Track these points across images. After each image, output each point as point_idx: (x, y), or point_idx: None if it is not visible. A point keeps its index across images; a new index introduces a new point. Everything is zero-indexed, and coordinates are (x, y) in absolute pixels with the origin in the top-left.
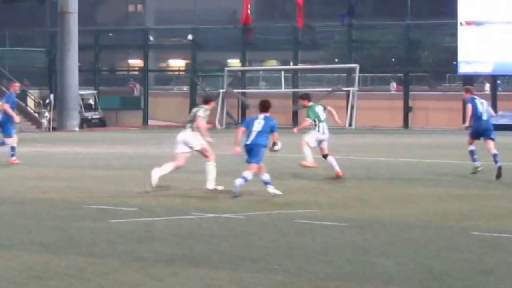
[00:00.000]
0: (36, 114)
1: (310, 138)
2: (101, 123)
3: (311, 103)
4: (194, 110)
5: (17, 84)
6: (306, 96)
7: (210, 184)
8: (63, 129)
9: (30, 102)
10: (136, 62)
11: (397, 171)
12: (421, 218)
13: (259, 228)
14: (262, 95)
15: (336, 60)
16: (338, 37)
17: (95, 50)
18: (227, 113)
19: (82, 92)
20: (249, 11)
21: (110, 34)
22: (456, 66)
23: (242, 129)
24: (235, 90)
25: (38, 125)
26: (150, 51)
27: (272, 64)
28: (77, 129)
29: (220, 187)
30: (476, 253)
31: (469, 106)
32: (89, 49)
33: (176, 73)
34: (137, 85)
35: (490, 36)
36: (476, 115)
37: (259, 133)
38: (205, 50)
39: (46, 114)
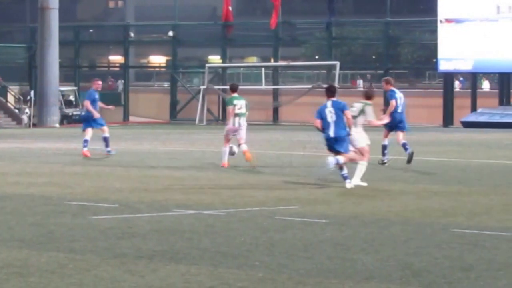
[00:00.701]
0: (16, 110)
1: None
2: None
3: (235, 94)
4: (359, 105)
5: (99, 82)
6: (233, 87)
7: (356, 180)
8: (44, 125)
9: (11, 98)
10: (116, 58)
11: (378, 168)
12: (401, 214)
13: (240, 225)
14: (243, 92)
15: (317, 57)
16: (319, 34)
17: (76, 46)
18: (208, 110)
19: (62, 88)
20: (230, 8)
21: (91, 30)
22: (436, 63)
23: (318, 121)
24: (216, 87)
25: (19, 121)
26: (131, 47)
27: (253, 60)
28: (57, 125)
29: (363, 184)
30: (456, 249)
31: (393, 102)
32: (69, 45)
33: (157, 69)
34: (121, 81)
35: (470, 33)
36: (394, 108)
37: (336, 124)
38: (186, 46)
39: (27, 110)
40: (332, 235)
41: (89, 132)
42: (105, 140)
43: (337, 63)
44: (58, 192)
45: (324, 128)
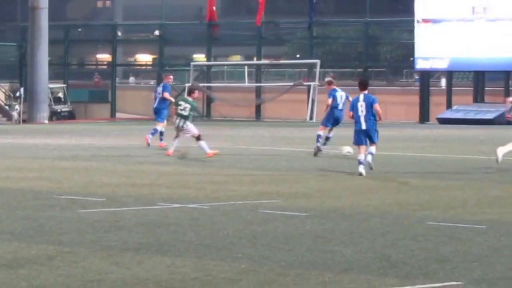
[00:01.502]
0: (6, 107)
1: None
2: (70, 115)
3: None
4: None
5: (171, 76)
6: (189, 91)
7: (501, 151)
8: (33, 121)
9: (1, 95)
10: (104, 57)
11: (350, 160)
12: (380, 208)
13: (223, 218)
14: (227, 89)
15: (298, 55)
16: (301, 33)
17: (65, 44)
18: None
19: (51, 85)
20: (214, 8)
21: (80, 29)
22: (413, 62)
23: (350, 113)
24: (201, 84)
25: (9, 117)
26: (118, 46)
27: (237, 59)
28: (46, 121)
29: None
30: (432, 242)
31: (331, 100)
32: (59, 44)
33: (144, 67)
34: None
35: (446, 33)
36: (335, 105)
37: (366, 118)
38: (172, 45)
39: (17, 107)
40: (312, 228)
41: (164, 124)
42: (154, 130)
43: (318, 61)
44: (48, 186)
45: (355, 120)
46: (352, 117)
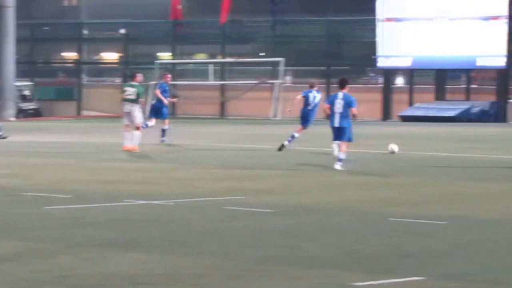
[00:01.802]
0: None
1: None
2: (37, 113)
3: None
4: None
5: (169, 75)
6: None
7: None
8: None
9: None
10: (70, 55)
11: (325, 159)
12: (344, 204)
13: (188, 214)
14: (192, 87)
15: (263, 54)
16: (265, 31)
17: (31, 43)
18: None
19: (18, 83)
20: (180, 6)
21: (46, 28)
22: (375, 60)
23: (326, 105)
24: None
25: None
26: (84, 44)
27: (201, 57)
28: (13, 119)
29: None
30: (395, 238)
31: (302, 98)
32: (25, 42)
33: (109, 65)
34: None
35: (409, 32)
36: (306, 103)
37: (341, 116)
38: (137, 43)
39: None
40: (277, 224)
41: (154, 121)
42: (163, 131)
43: (282, 60)
44: (15, 183)
45: (330, 117)
46: (328, 111)
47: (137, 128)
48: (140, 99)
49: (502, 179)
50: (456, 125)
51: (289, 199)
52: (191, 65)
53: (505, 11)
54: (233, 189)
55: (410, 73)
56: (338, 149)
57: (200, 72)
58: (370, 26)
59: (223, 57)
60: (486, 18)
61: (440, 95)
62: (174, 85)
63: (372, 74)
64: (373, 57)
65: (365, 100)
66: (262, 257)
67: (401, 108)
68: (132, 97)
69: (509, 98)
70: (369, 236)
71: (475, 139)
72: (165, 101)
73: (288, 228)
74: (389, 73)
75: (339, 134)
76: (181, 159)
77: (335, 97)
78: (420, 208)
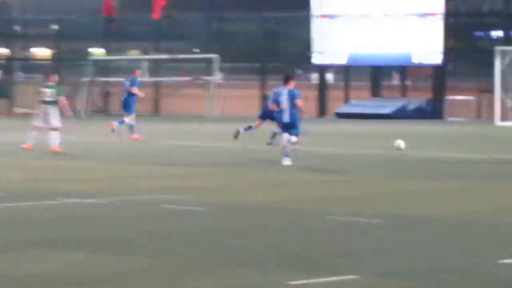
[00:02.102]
0: None
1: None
2: None
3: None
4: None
5: (138, 71)
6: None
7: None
8: None
9: None
10: (1, 51)
11: (256, 158)
12: (277, 203)
13: (121, 213)
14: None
15: (197, 50)
16: (199, 28)
17: None
18: (91, 101)
19: None
20: (113, 3)
21: None
22: (310, 57)
23: (272, 106)
24: (99, 79)
25: None
26: (16, 40)
27: (134, 53)
28: None
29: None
30: (331, 236)
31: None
32: None
33: (42, 62)
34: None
35: (344, 28)
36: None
37: (289, 111)
38: (70, 39)
39: None
40: (211, 223)
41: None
42: (122, 120)
43: (216, 56)
44: None
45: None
46: (275, 109)
47: (54, 129)
48: (60, 98)
49: (435, 177)
50: (393, 122)
51: (221, 198)
52: (125, 61)
53: (441, 8)
54: (166, 187)
55: (346, 70)
56: (287, 141)
57: (133, 69)
58: (306, 22)
59: (157, 54)
60: (423, 15)
61: (376, 92)
62: (107, 82)
63: (299, 71)
64: (308, 53)
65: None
66: (196, 256)
67: (337, 105)
68: (50, 98)
69: (445, 95)
70: (304, 235)
71: (412, 136)
72: (141, 94)
73: (222, 227)
74: (324, 70)
75: (287, 129)
76: (114, 157)
77: (280, 94)
78: (355, 206)
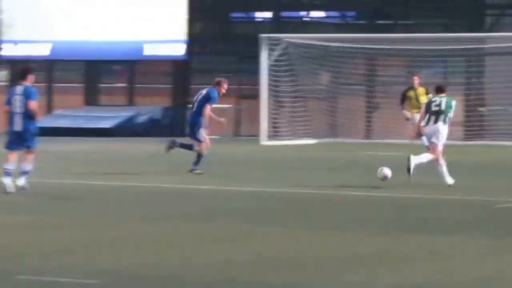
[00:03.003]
0: None
1: None
2: None
3: None
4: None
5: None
6: None
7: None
8: None
9: None
10: None
11: None
12: None
13: None
14: None
15: None
16: None
17: None
18: None
19: None
20: None
21: None
22: None
23: (5, 108)
24: None
25: None
26: None
27: None
28: None
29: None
30: None
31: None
32: None
33: None
34: None
35: (47, 8)
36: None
37: (22, 116)
38: None
39: None
40: None
41: None
42: None
43: None
44: None
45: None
46: (7, 113)
47: None
48: None
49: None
50: (114, 140)
51: None
52: None
53: None
54: None
55: (49, 66)
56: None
57: None
58: None
59: None
60: None
61: (91, 98)
62: None
63: None
64: None
65: None
66: None
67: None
68: None
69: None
70: None
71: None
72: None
73: None
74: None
75: (22, 140)
76: None
77: (13, 93)
78: (63, 259)
